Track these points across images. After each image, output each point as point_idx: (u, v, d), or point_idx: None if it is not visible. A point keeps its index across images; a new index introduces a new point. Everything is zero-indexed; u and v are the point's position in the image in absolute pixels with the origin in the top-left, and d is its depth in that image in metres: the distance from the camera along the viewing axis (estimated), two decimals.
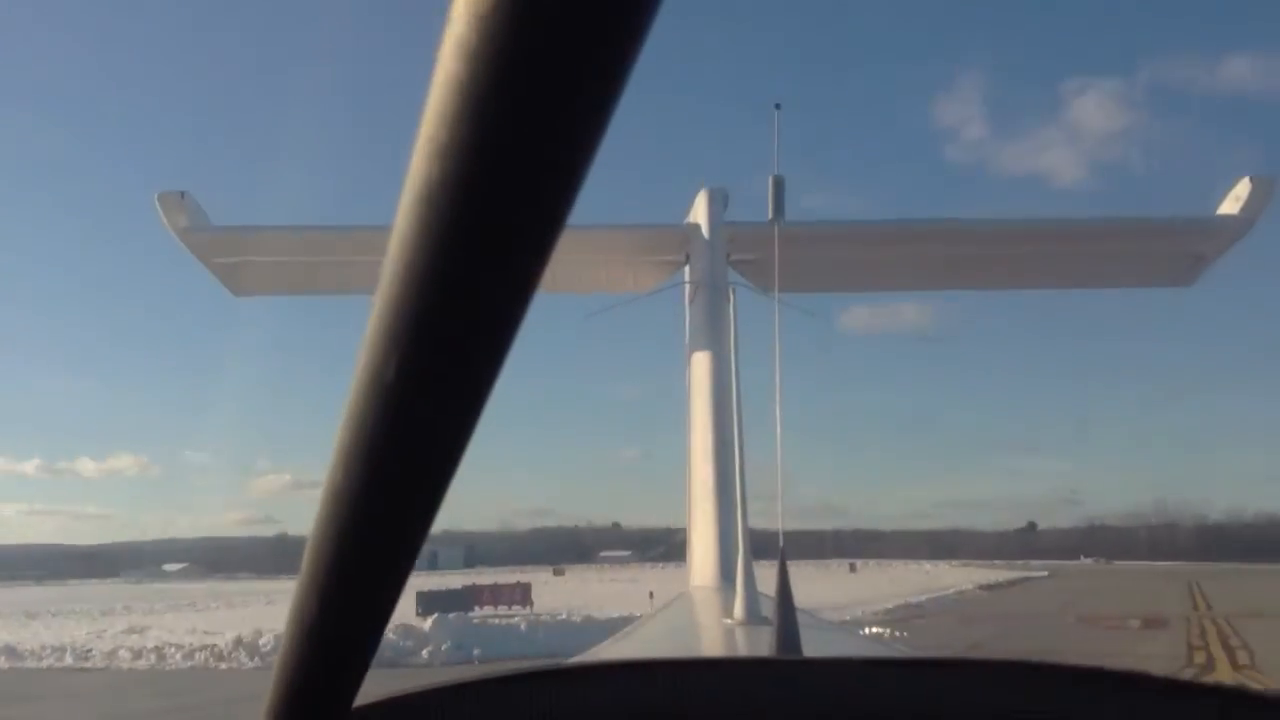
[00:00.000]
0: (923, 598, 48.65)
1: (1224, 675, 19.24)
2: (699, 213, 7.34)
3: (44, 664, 25.56)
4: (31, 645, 27.96)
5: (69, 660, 25.97)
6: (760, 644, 2.63)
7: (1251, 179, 6.87)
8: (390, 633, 26.22)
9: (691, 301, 7.11)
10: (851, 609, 39.70)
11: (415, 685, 1.08)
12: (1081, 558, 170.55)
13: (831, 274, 7.81)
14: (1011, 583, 67.99)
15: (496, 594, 42.35)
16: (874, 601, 44.40)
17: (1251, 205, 6.81)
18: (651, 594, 41.52)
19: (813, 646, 2.26)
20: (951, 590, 56.80)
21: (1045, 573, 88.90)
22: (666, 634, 4.04)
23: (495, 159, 0.47)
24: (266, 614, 40.55)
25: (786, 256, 5.91)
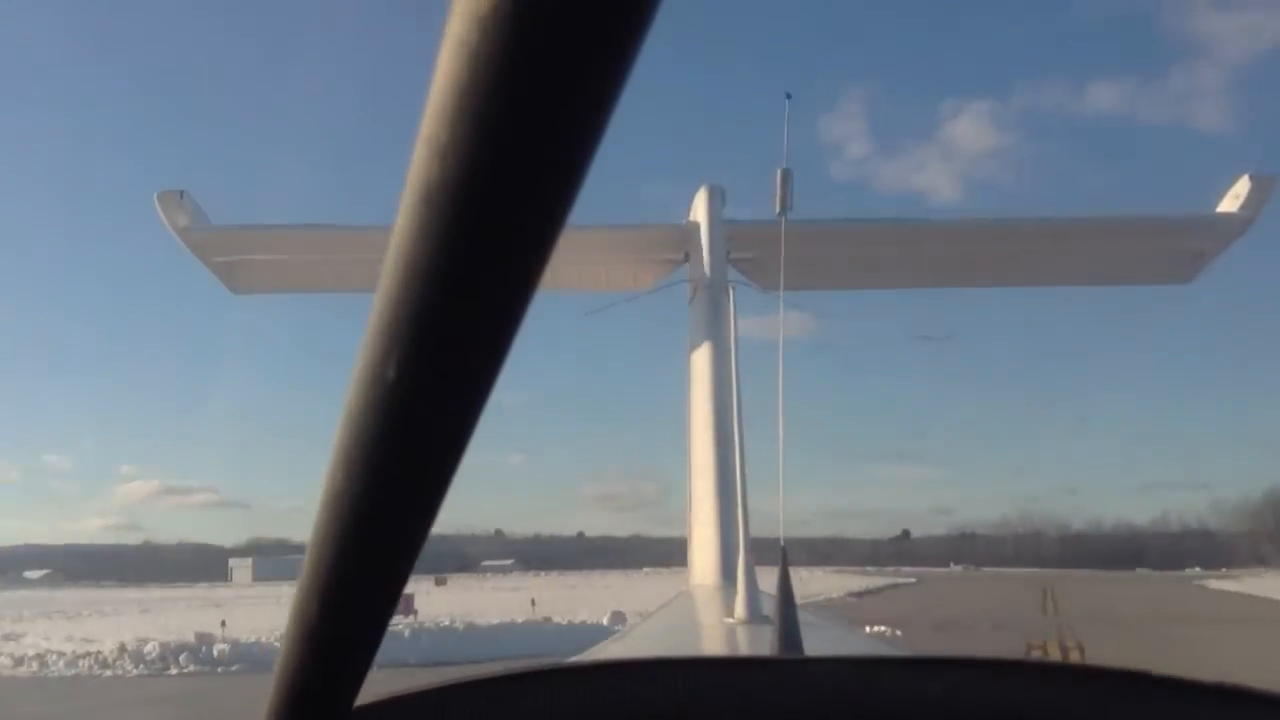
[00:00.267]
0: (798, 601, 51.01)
1: None
2: (699, 210, 7.42)
3: None
4: None
5: None
6: (762, 643, 2.65)
7: (1251, 177, 6.91)
8: (275, 641, 27.04)
9: (691, 300, 7.19)
10: None
11: (416, 685, 1.09)
12: (952, 565, 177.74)
13: (832, 272, 7.84)
14: (880, 589, 71.50)
15: None
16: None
17: (1251, 203, 6.86)
18: (534, 601, 42.99)
19: (814, 645, 2.27)
20: (821, 596, 59.64)
21: (914, 579, 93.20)
22: (668, 633, 4.08)
23: (496, 159, 0.47)
24: (144, 622, 40.45)
25: (787, 254, 6.03)
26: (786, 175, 5.62)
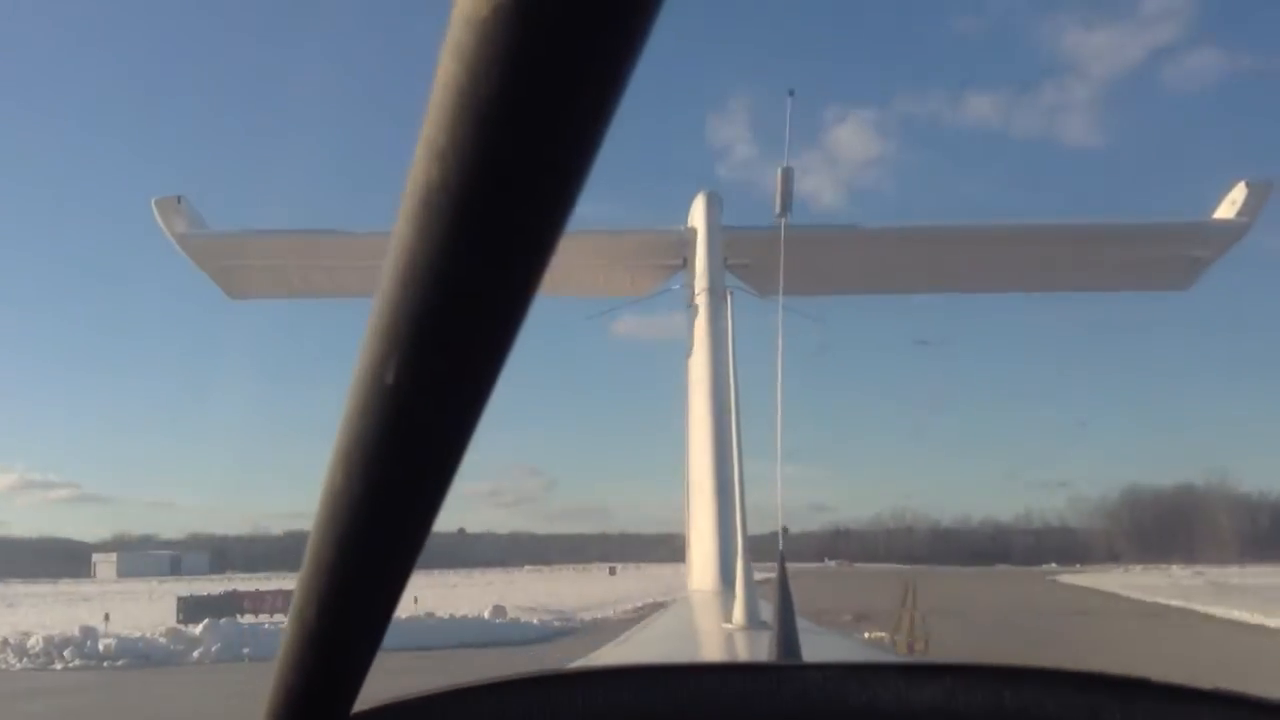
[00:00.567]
0: (667, 597, 53.53)
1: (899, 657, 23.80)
2: (697, 216, 7.53)
3: None
4: None
5: None
6: (760, 649, 2.62)
7: (1247, 183, 6.98)
8: (160, 636, 27.79)
9: (689, 305, 7.26)
10: (603, 608, 43.70)
11: (416, 690, 1.08)
12: (826, 560, 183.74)
13: (831, 277, 7.92)
14: (755, 582, 74.64)
15: (258, 600, 43.47)
16: (627, 600, 48.68)
17: (1247, 209, 6.91)
18: (416, 599, 44.00)
19: (812, 651, 2.25)
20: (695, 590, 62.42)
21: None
22: (667, 638, 4.06)
23: (495, 163, 0.47)
24: (18, 616, 40.28)
25: (786, 259, 6.04)
26: (787, 174, 5.62)
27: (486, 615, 36.08)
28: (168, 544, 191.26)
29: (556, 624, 36.09)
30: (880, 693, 1.06)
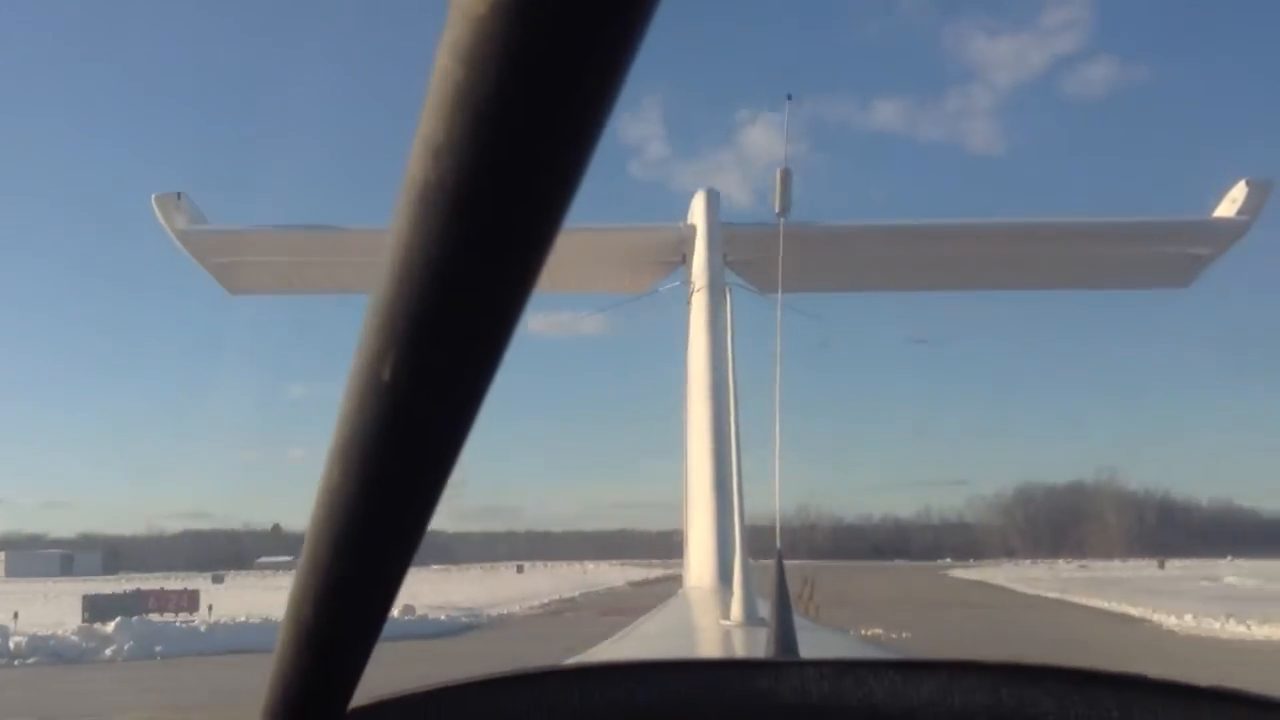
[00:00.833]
0: (577, 593, 55.36)
1: None
2: (696, 213, 7.48)
3: None
4: None
5: None
6: (757, 645, 2.66)
7: (1248, 182, 6.96)
8: (71, 634, 28.38)
9: (689, 302, 7.22)
10: (510, 605, 45.15)
11: (413, 686, 1.09)
12: None
13: (831, 275, 7.87)
14: (660, 579, 76.55)
15: (163, 600, 43.80)
16: (533, 598, 50.28)
17: (1248, 207, 6.92)
18: None
19: (810, 648, 2.26)
20: (604, 587, 64.43)
21: None
22: (664, 635, 4.14)
23: (493, 159, 0.47)
24: None
25: (789, 256, 5.98)
26: (786, 175, 5.66)
27: (395, 613, 37.09)
28: (57, 543, 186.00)
29: (464, 620, 37.27)
30: (877, 689, 1.06)
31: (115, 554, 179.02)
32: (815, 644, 2.59)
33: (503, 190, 0.48)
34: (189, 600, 44.33)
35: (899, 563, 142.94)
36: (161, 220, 7.20)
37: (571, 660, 1.85)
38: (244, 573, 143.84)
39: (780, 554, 2.63)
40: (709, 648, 3.34)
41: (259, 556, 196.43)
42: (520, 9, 0.43)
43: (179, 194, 7.25)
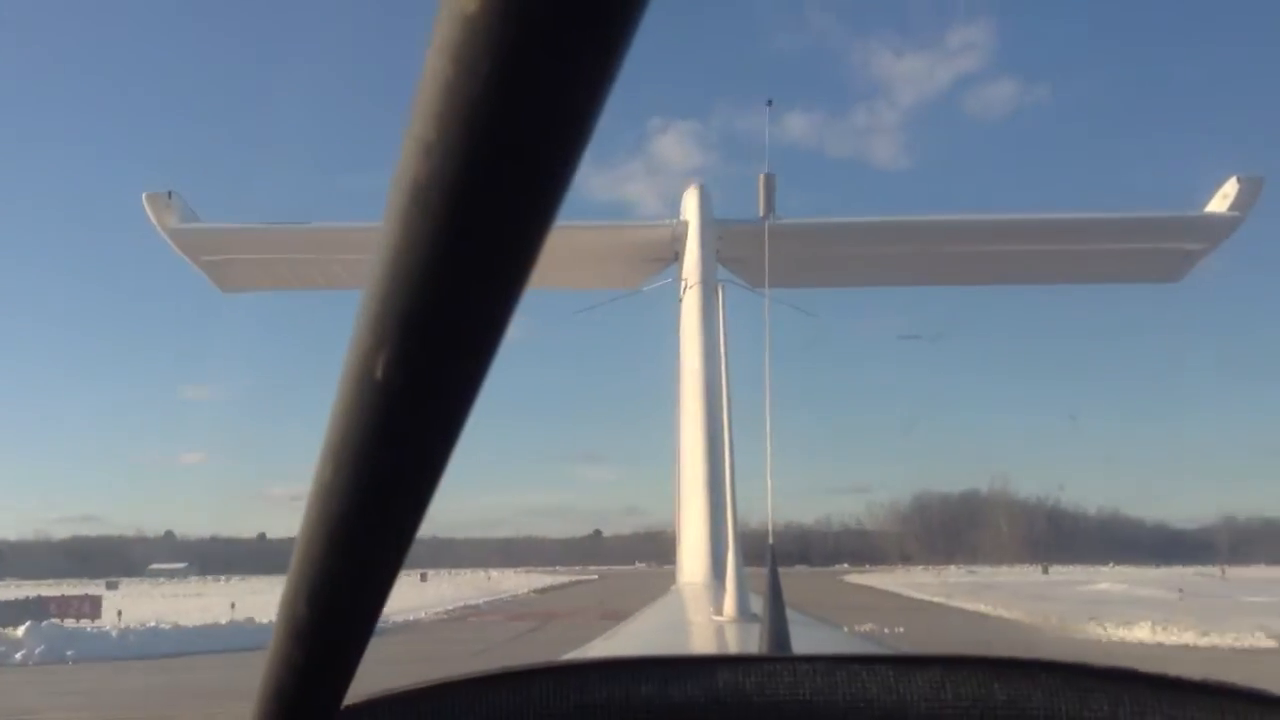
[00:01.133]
0: (482, 600, 56.69)
1: None
2: (689, 210, 7.60)
3: None
4: None
5: None
6: (750, 640, 2.67)
7: (1239, 179, 7.08)
8: None
9: (682, 298, 7.31)
10: (416, 611, 46.29)
11: (404, 684, 1.09)
12: (637, 563, 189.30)
13: (823, 270, 7.99)
14: (563, 586, 78.45)
15: (64, 606, 43.96)
16: (438, 605, 51.39)
17: (1239, 203, 7.04)
18: (233, 604, 45.40)
19: (803, 643, 2.27)
20: (508, 594, 65.88)
21: (596, 576, 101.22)
22: (658, 630, 4.09)
23: (484, 157, 0.47)
24: None
25: (776, 253, 5.90)
26: (769, 180, 5.69)
27: None
28: None
29: None
30: (869, 684, 1.06)
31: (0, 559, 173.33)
32: (808, 639, 2.57)
33: (494, 189, 0.48)
34: (91, 606, 44.58)
35: (799, 568, 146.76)
36: (152, 219, 7.23)
37: (566, 656, 1.79)
38: (136, 580, 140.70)
39: (773, 550, 2.62)
40: (703, 643, 3.29)
41: (150, 563, 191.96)
42: (510, 7, 0.43)
43: (169, 192, 7.26)
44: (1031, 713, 1.03)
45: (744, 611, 3.54)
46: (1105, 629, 33.04)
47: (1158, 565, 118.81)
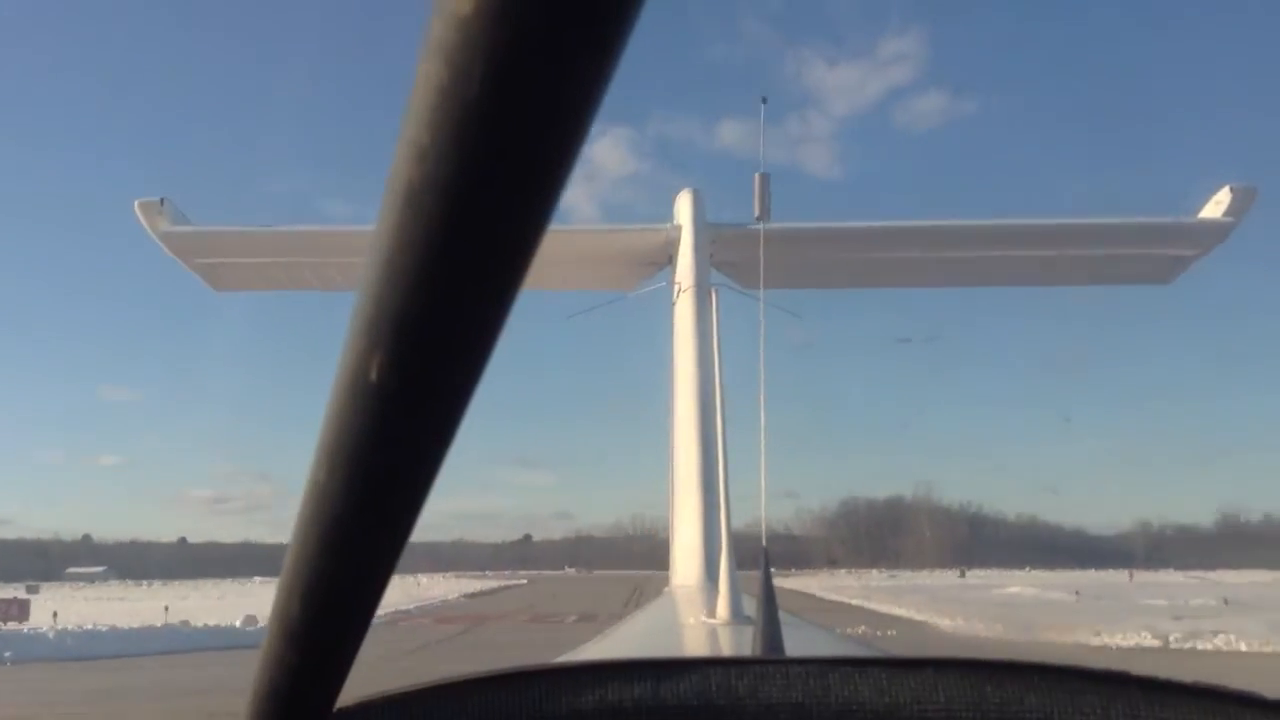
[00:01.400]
0: (412, 605, 57.80)
1: None
2: (682, 214, 7.62)
3: None
4: None
5: None
6: (743, 643, 2.65)
7: (1232, 188, 7.15)
8: None
9: (675, 301, 7.30)
10: None
11: (398, 686, 1.09)
12: (567, 568, 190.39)
13: (816, 273, 8.03)
14: (493, 591, 79.56)
15: None
16: None
17: (1234, 209, 7.14)
18: (166, 607, 45.83)
19: (795, 646, 2.27)
20: (439, 599, 67.04)
21: (525, 581, 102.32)
22: (650, 633, 4.19)
23: (478, 160, 0.47)
24: None
25: (770, 256, 5.97)
26: (764, 180, 5.59)
27: (239, 624, 38.91)
28: None
29: None
30: (862, 687, 1.06)
31: None
32: (801, 642, 2.59)
33: (488, 192, 0.48)
34: (19, 609, 44.54)
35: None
36: (145, 225, 7.39)
37: (559, 659, 1.79)
38: (54, 584, 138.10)
39: (766, 552, 2.62)
40: (695, 645, 3.31)
41: (68, 566, 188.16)
42: (504, 10, 0.43)
43: (161, 199, 7.45)
44: (1024, 715, 1.03)
45: (737, 614, 3.58)
46: (1004, 629, 35.41)
47: (1072, 570, 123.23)
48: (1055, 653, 29.02)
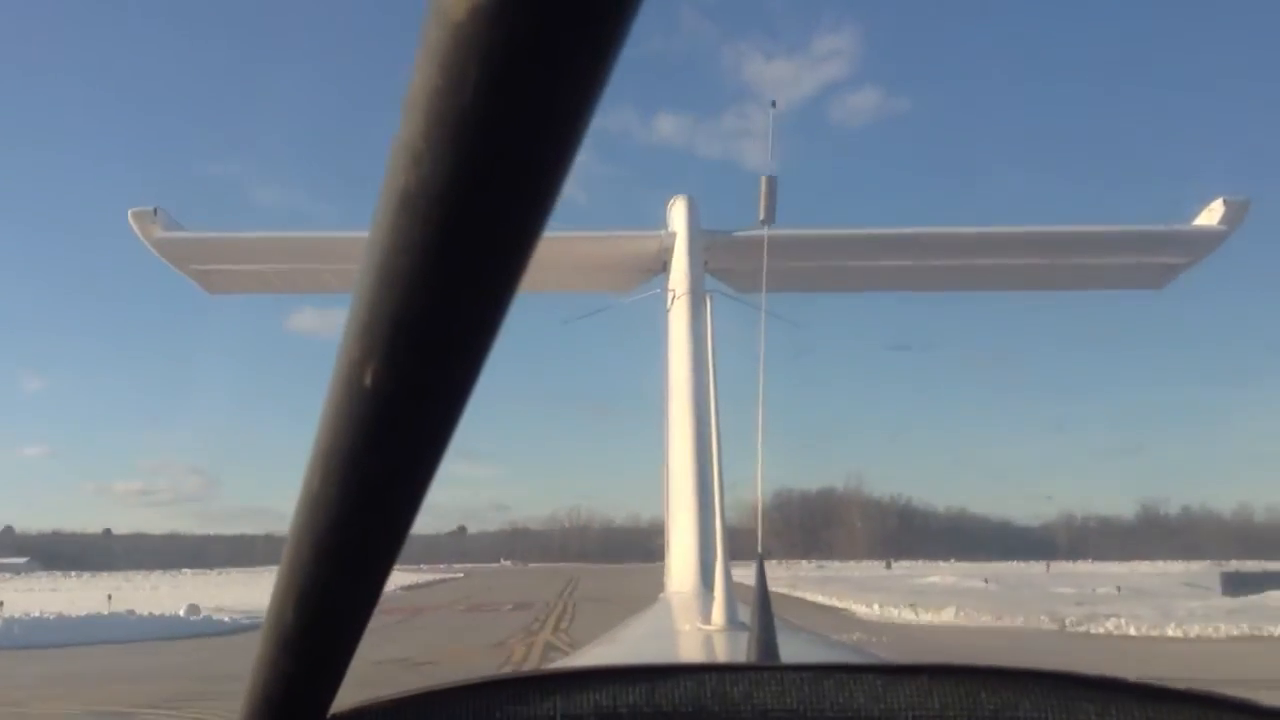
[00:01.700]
0: None
1: (542, 641, 28.71)
2: (677, 220, 7.66)
3: None
4: None
5: None
6: (738, 650, 2.66)
7: (1225, 200, 7.26)
8: None
9: (670, 308, 7.33)
10: None
11: (390, 692, 1.10)
12: (502, 560, 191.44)
13: (813, 278, 8.08)
14: (431, 583, 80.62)
15: None
16: None
17: (1228, 219, 7.25)
18: (110, 596, 46.41)
19: (791, 653, 2.28)
20: None
21: (462, 574, 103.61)
22: (644, 639, 4.21)
23: (472, 165, 0.47)
24: None
25: (774, 261, 5.99)
26: (771, 183, 5.58)
27: (182, 613, 39.93)
28: None
29: (245, 621, 40.11)
30: (857, 693, 1.07)
31: None
32: (796, 648, 2.63)
33: (483, 196, 0.48)
34: None
35: (658, 564, 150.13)
36: (138, 232, 7.51)
37: (551, 666, 1.78)
38: None
39: (761, 557, 2.66)
40: (690, 652, 3.34)
41: None
42: (499, 15, 0.43)
43: (155, 209, 7.57)
44: None
45: (732, 620, 3.58)
46: (918, 614, 37.89)
47: (997, 561, 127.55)
48: (958, 633, 31.57)
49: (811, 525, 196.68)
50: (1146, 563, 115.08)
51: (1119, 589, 51.95)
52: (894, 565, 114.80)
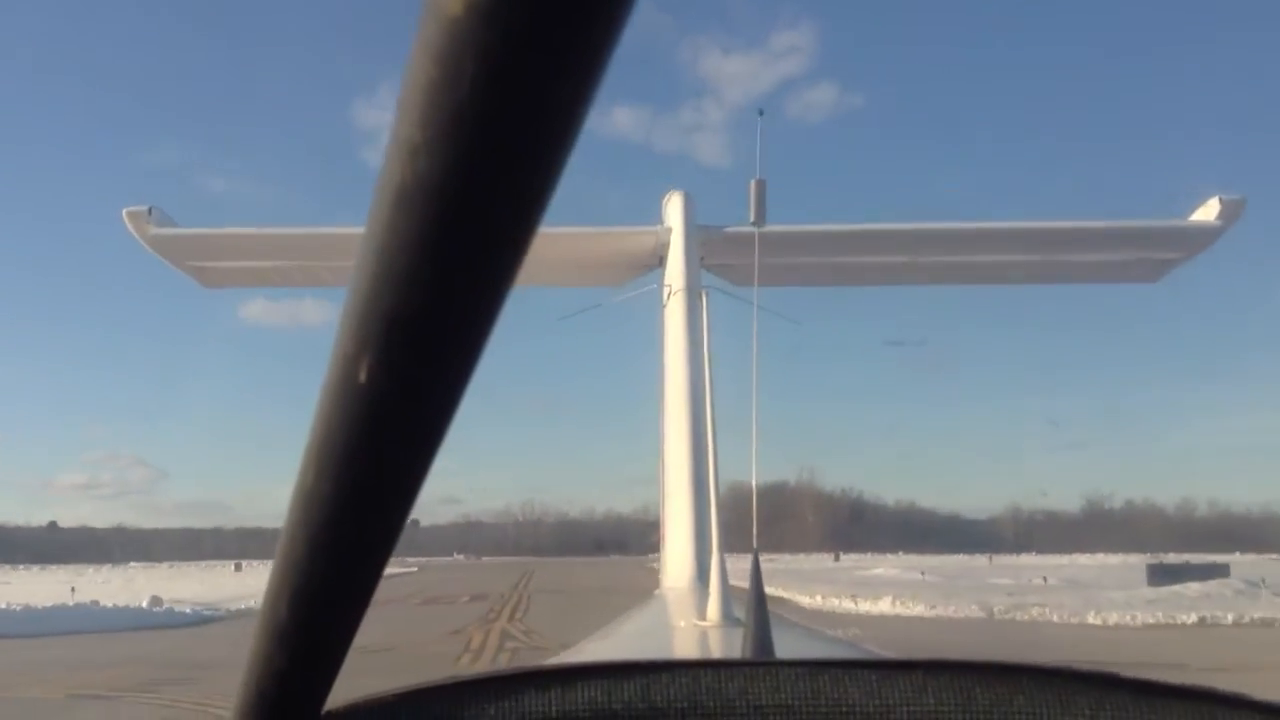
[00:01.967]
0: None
1: (499, 629, 30.19)
2: (673, 216, 7.71)
3: None
4: None
5: None
6: (733, 645, 2.69)
7: (1220, 199, 7.42)
8: None
9: (666, 303, 7.36)
10: (246, 600, 48.90)
11: (386, 689, 1.10)
12: (455, 554, 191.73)
13: (809, 274, 8.20)
14: (386, 576, 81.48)
15: None
16: (255, 596, 53.84)
17: (1225, 215, 7.43)
18: (74, 589, 46.63)
19: (785, 648, 2.27)
20: None
21: (416, 568, 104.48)
22: (639, 635, 4.21)
23: (469, 161, 0.47)
24: None
25: (771, 257, 6.11)
26: (760, 186, 5.80)
27: (145, 605, 40.81)
28: None
29: (207, 613, 40.51)
30: (852, 689, 1.06)
31: None
32: (791, 644, 2.64)
33: (479, 192, 0.48)
34: None
35: (615, 557, 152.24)
36: (133, 231, 7.61)
37: (548, 661, 1.79)
38: None
39: (756, 553, 2.72)
40: (685, 648, 3.32)
41: None
42: (495, 9, 0.43)
43: (149, 208, 7.64)
44: (1013, 717, 1.04)
45: (727, 616, 3.58)
46: (856, 603, 39.83)
47: (944, 554, 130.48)
48: (891, 621, 33.48)
49: (763, 518, 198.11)
50: (1087, 555, 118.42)
51: (1044, 579, 54.49)
52: (842, 558, 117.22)
